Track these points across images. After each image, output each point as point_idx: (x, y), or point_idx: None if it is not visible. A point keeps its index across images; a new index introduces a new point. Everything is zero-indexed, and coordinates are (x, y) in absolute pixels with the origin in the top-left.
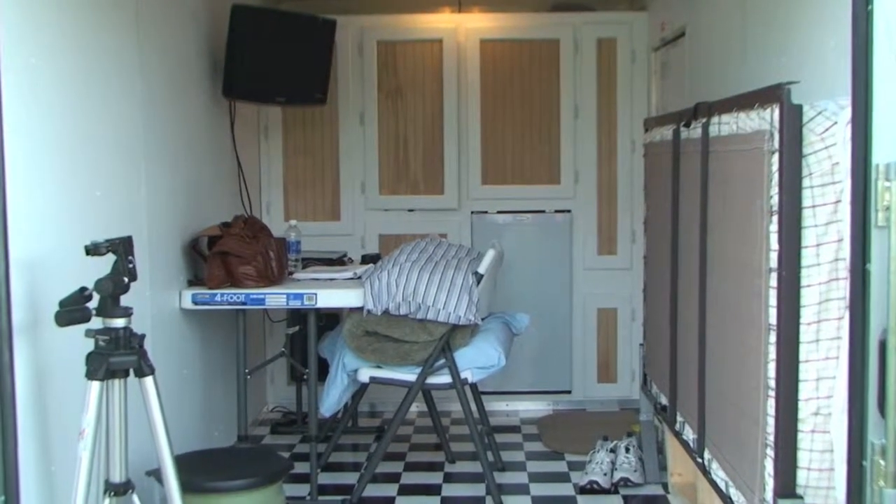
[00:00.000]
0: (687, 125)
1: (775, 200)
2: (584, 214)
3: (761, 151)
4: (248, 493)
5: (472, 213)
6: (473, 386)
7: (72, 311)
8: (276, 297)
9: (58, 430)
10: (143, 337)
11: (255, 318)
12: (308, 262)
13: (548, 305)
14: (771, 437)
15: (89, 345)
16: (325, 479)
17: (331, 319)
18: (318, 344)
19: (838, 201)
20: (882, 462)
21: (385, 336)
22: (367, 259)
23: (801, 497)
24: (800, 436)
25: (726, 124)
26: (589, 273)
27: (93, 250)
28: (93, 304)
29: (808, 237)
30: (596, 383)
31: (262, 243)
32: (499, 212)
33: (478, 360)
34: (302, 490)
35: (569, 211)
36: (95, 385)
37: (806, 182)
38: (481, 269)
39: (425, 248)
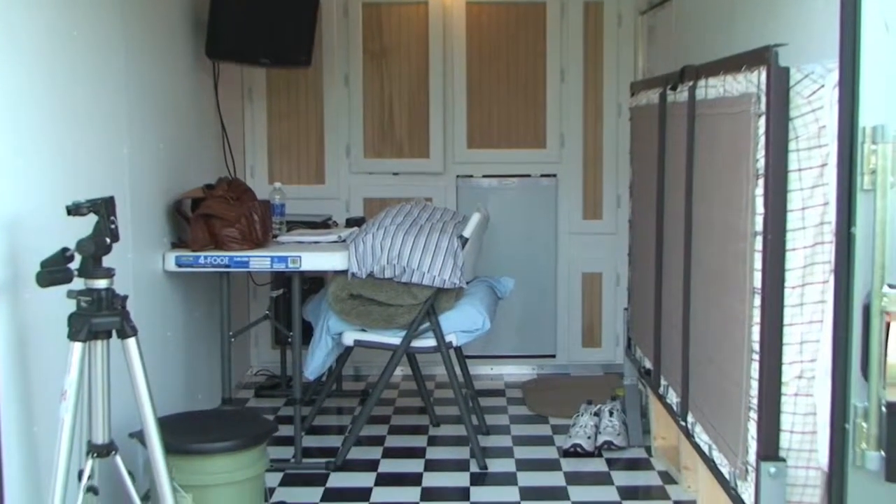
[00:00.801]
0: (673, 88)
1: (761, 164)
2: (570, 179)
3: (748, 114)
4: (231, 454)
5: (457, 177)
6: (458, 350)
7: (53, 271)
8: (260, 260)
9: (40, 392)
10: (125, 298)
11: (240, 282)
12: (292, 226)
13: (533, 270)
14: (754, 401)
15: (71, 306)
16: (309, 441)
17: (315, 283)
18: (302, 307)
19: (824, 164)
20: (864, 425)
21: (370, 299)
22: (352, 222)
23: (783, 460)
24: (783, 399)
25: (713, 87)
26: (574, 237)
27: (74, 210)
28: (75, 264)
29: (794, 200)
30: (580, 348)
31: (246, 206)
32: (484, 176)
33: (462, 323)
34: (286, 453)
35: (554, 175)
36: (77, 346)
37: (792, 145)
38: (466, 233)
39: (410, 212)
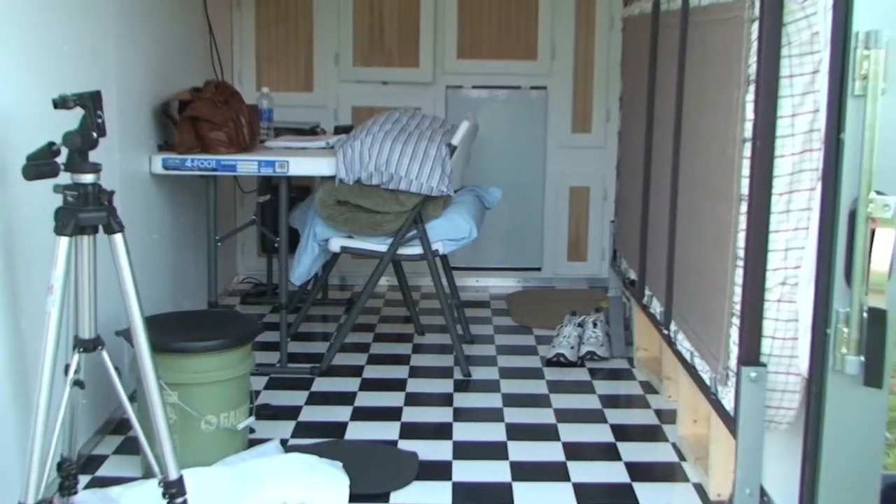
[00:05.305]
0: None
1: (753, 70)
2: (560, 91)
3: (741, 20)
4: (217, 353)
5: (446, 87)
6: (444, 260)
7: (39, 164)
8: (247, 164)
9: (26, 287)
10: (112, 193)
11: (226, 189)
12: (280, 132)
13: (520, 182)
14: (737, 307)
15: (58, 200)
16: (294, 347)
17: (302, 192)
18: (289, 214)
19: (816, 71)
20: (846, 330)
21: (357, 206)
22: (340, 130)
23: (764, 365)
24: (766, 305)
25: None
26: (562, 151)
27: (61, 103)
28: (61, 159)
29: (784, 107)
30: (566, 261)
31: (233, 109)
32: (474, 87)
33: (449, 231)
34: (272, 358)
35: (544, 87)
36: (64, 240)
37: (785, 51)
38: (455, 141)
39: (399, 119)
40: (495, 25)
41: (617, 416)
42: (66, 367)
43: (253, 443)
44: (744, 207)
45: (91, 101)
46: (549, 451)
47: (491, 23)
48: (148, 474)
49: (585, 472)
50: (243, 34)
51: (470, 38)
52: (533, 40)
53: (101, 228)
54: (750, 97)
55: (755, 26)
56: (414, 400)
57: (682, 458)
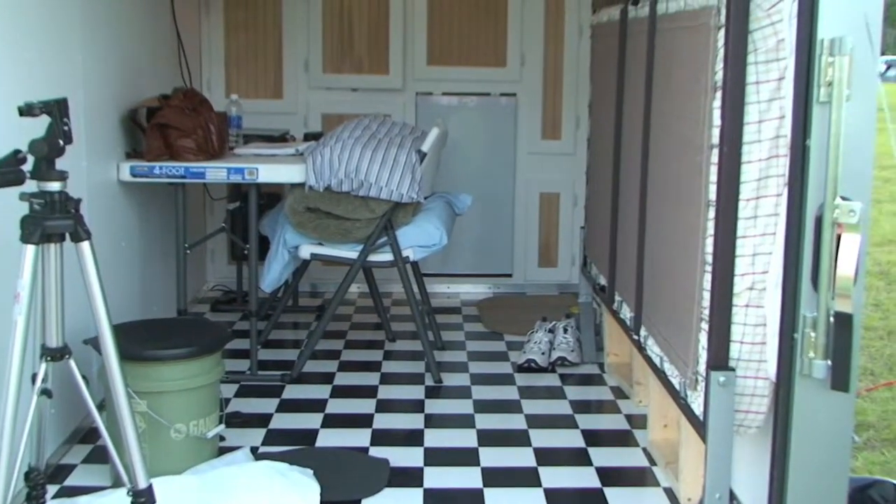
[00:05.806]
0: (635, 3)
1: (720, 77)
2: (530, 98)
3: (707, 27)
4: (186, 361)
5: (416, 94)
6: (415, 266)
7: (5, 173)
8: (216, 171)
9: None
10: (78, 201)
11: (196, 197)
12: (249, 139)
13: (491, 189)
14: (706, 312)
15: (24, 208)
16: (265, 355)
17: (272, 199)
18: (259, 221)
19: (782, 78)
20: (813, 334)
21: (327, 213)
22: (310, 137)
23: (732, 369)
24: (734, 310)
25: (674, 1)
26: (532, 157)
27: (26, 111)
28: (27, 167)
29: (751, 113)
30: (537, 267)
31: (202, 116)
32: (444, 93)
33: (420, 238)
34: (242, 365)
35: (514, 94)
36: (30, 249)
37: (751, 58)
38: (425, 148)
39: (369, 126)
40: (465, 32)
41: (588, 421)
42: (34, 376)
43: (223, 451)
44: (711, 213)
45: (57, 109)
46: (521, 457)
47: (461, 30)
48: (117, 483)
49: (556, 477)
50: (212, 41)
51: (440, 45)
52: (502, 47)
53: (67, 236)
54: (717, 103)
55: (721, 33)
56: (385, 406)
57: (652, 462)
